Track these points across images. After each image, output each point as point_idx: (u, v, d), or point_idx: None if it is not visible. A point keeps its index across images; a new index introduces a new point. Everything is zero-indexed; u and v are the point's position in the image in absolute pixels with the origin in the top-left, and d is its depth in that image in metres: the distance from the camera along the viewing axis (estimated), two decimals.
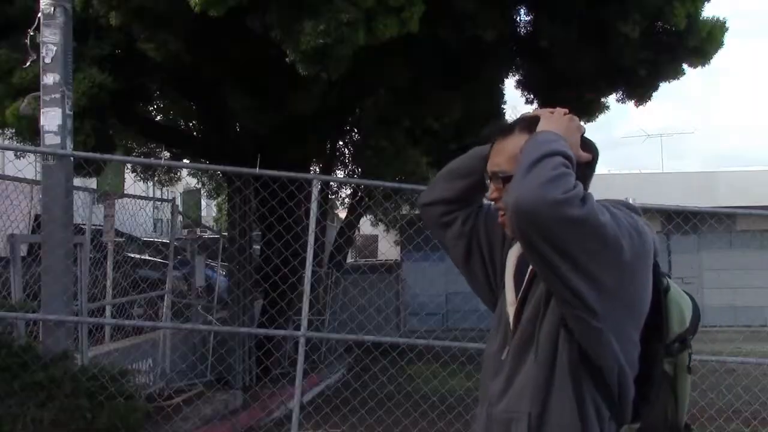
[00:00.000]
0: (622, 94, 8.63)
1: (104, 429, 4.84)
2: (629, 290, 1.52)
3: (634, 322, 1.55)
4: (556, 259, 1.46)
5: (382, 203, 14.21)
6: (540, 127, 1.64)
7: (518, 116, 1.80)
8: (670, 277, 1.67)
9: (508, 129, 1.73)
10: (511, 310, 1.70)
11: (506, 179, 1.63)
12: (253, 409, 7.51)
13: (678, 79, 7.95)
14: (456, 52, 7.53)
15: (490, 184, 1.73)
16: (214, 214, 24.62)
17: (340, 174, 14.21)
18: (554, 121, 1.65)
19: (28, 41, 5.41)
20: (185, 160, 11.62)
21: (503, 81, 9.87)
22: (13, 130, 8.26)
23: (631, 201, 5.19)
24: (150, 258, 9.62)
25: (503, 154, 1.70)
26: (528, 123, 1.70)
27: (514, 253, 1.77)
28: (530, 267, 1.66)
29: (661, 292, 1.61)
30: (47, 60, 5.13)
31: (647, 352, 1.59)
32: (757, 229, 17.42)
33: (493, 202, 1.77)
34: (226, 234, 10.07)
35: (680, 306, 1.64)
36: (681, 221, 6.60)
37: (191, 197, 16.33)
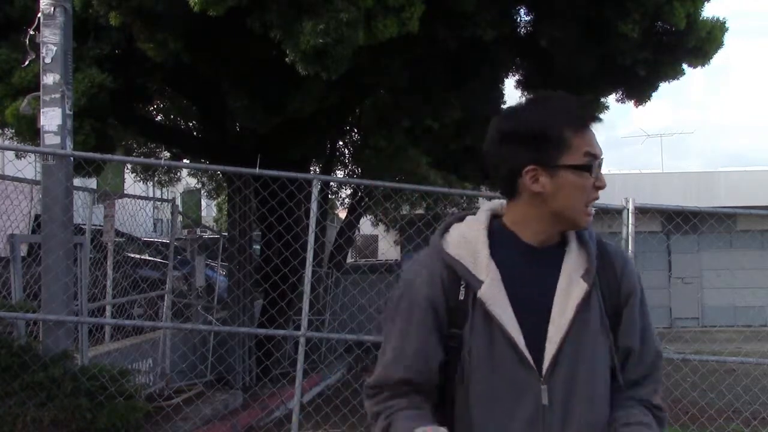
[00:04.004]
0: (622, 94, 8.62)
1: (104, 429, 4.84)
2: None
3: None
4: None
5: (382, 203, 14.23)
6: None
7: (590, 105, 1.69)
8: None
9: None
10: (551, 349, 1.54)
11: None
12: (253, 409, 7.51)
13: (678, 79, 7.95)
14: (456, 52, 7.52)
15: (598, 170, 1.58)
16: (214, 214, 24.62)
17: (340, 174, 14.23)
18: None
19: (27, 41, 5.42)
20: (185, 160, 11.63)
21: (503, 81, 9.86)
22: (13, 130, 8.26)
23: (631, 201, 5.21)
24: (150, 258, 9.62)
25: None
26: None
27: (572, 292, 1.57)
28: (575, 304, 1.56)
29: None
30: (47, 60, 5.14)
31: None
32: (757, 229, 17.42)
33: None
34: (226, 234, 10.08)
35: None
36: (681, 221, 6.59)
37: (191, 197, 16.36)
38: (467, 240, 1.59)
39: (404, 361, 1.56)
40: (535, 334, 1.53)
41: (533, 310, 1.54)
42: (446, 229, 1.65)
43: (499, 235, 1.60)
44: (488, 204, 1.68)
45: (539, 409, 1.52)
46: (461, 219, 1.66)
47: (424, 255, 1.63)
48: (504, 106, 10.51)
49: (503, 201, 1.67)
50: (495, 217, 1.65)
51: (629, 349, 1.63)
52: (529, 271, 1.58)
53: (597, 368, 1.57)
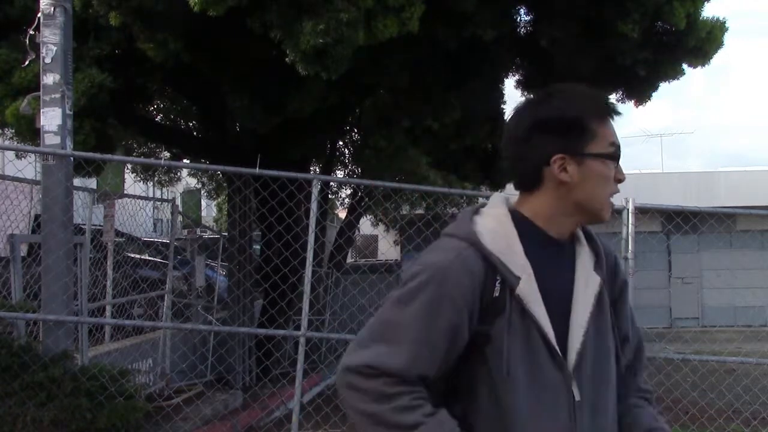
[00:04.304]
0: (622, 94, 8.62)
1: (104, 429, 4.84)
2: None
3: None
4: None
5: (382, 203, 14.24)
6: None
7: (608, 98, 1.65)
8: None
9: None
10: (575, 343, 1.55)
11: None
12: (253, 409, 7.51)
13: (678, 79, 7.95)
14: (456, 52, 7.52)
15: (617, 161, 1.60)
16: (214, 214, 24.63)
17: (340, 174, 14.23)
18: None
19: (27, 41, 5.42)
20: (185, 160, 11.63)
21: (503, 81, 9.86)
22: (13, 130, 8.27)
23: (631, 201, 5.21)
24: (150, 258, 9.62)
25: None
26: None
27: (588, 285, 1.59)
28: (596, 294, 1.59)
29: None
30: (47, 60, 5.14)
31: None
32: (757, 229, 17.41)
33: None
34: (226, 234, 10.08)
35: None
36: (681, 221, 6.59)
37: (191, 197, 16.37)
38: (500, 234, 1.54)
39: (427, 358, 1.46)
40: (560, 329, 1.53)
41: (557, 305, 1.54)
42: (471, 220, 1.57)
43: (523, 228, 1.57)
44: (498, 197, 1.65)
45: (573, 406, 1.52)
46: (477, 212, 1.61)
47: (451, 243, 1.53)
48: (504, 106, 10.53)
49: (507, 195, 1.66)
50: (510, 210, 1.62)
51: (625, 337, 1.69)
52: (552, 264, 1.57)
53: (612, 359, 1.61)
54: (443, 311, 1.46)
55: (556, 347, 1.51)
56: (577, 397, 1.52)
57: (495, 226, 1.55)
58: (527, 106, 1.62)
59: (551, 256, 1.58)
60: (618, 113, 1.61)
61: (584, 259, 1.61)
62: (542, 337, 1.50)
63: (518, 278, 1.50)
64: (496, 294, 1.50)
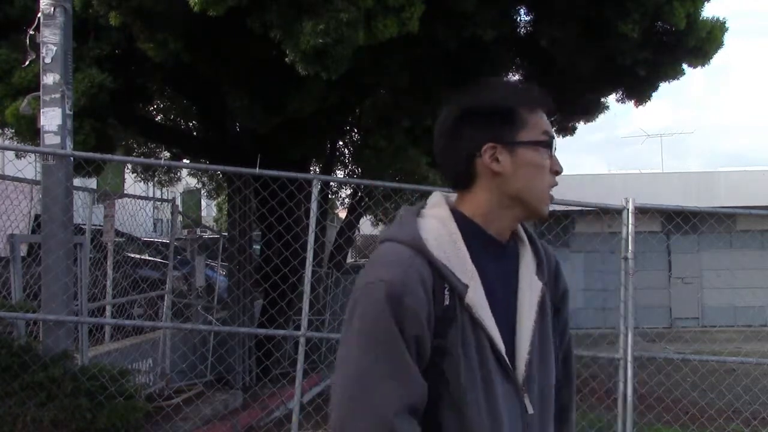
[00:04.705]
0: (622, 94, 8.63)
1: (104, 429, 4.84)
2: None
3: None
4: None
5: (382, 203, 14.21)
6: None
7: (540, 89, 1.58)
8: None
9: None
10: (523, 354, 1.49)
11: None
12: (253, 409, 7.51)
13: (678, 79, 7.95)
14: (456, 52, 7.52)
15: (553, 152, 1.53)
16: (214, 214, 24.64)
17: (340, 174, 14.22)
18: None
19: (28, 41, 5.42)
20: (185, 160, 11.63)
21: None
22: (13, 130, 8.26)
23: (631, 201, 5.21)
24: (150, 258, 9.62)
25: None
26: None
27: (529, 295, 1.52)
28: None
29: None
30: (47, 60, 5.14)
31: None
32: (757, 229, 17.42)
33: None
34: (226, 234, 10.07)
35: None
36: (681, 221, 6.59)
37: (191, 197, 16.37)
38: (445, 238, 1.45)
39: (411, 386, 1.35)
40: (507, 338, 1.45)
41: (503, 312, 1.46)
42: (416, 223, 1.48)
43: (465, 229, 1.48)
44: (438, 195, 1.56)
45: (525, 419, 1.46)
46: (420, 214, 1.52)
47: (397, 251, 1.42)
48: None
49: (446, 194, 1.59)
50: (452, 210, 1.53)
51: (567, 351, 1.66)
52: (495, 268, 1.49)
53: (553, 369, 1.55)
54: (409, 331, 1.36)
55: (506, 358, 1.44)
56: (530, 410, 1.46)
57: (439, 229, 1.47)
58: (456, 99, 1.55)
59: (494, 259, 1.50)
60: (549, 105, 1.55)
61: (527, 262, 1.54)
62: (492, 348, 1.42)
63: (466, 286, 1.42)
64: (447, 303, 1.40)
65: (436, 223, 1.48)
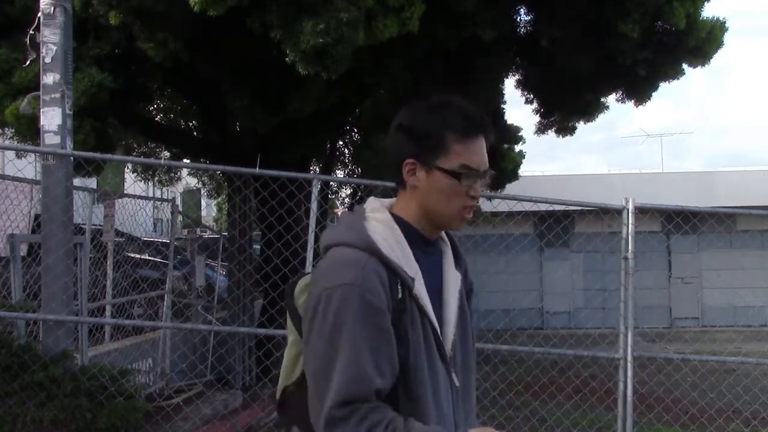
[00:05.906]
0: (622, 94, 8.63)
1: (104, 429, 4.84)
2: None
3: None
4: None
5: None
6: None
7: (482, 119, 1.70)
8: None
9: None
10: (449, 336, 1.69)
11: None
12: (253, 409, 7.51)
13: (678, 79, 7.95)
14: (456, 52, 7.52)
15: (482, 181, 1.68)
16: (214, 214, 24.64)
17: (340, 174, 14.22)
18: None
19: (28, 41, 5.42)
20: (185, 160, 11.63)
21: (503, 81, 9.87)
22: (13, 130, 8.27)
23: (631, 201, 5.21)
24: (150, 258, 9.62)
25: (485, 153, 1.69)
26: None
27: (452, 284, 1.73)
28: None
29: None
30: (47, 60, 5.14)
31: None
32: (757, 229, 17.43)
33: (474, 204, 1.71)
34: (226, 234, 10.07)
35: None
36: (681, 221, 6.60)
37: (191, 197, 16.37)
38: (392, 240, 1.62)
39: (379, 371, 1.50)
40: (438, 324, 1.65)
41: (434, 301, 1.64)
42: (364, 227, 1.63)
43: (403, 229, 1.66)
44: (375, 201, 1.73)
45: (454, 391, 1.67)
46: (365, 218, 1.67)
47: (352, 255, 1.58)
48: (504, 106, 10.53)
49: (381, 199, 1.75)
50: (391, 213, 1.71)
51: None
52: (427, 262, 1.67)
53: (472, 348, 1.77)
54: (377, 322, 1.52)
55: (442, 340, 1.64)
56: (457, 384, 1.67)
57: (385, 231, 1.63)
58: (403, 110, 1.69)
59: (425, 255, 1.68)
60: (486, 132, 1.65)
61: (449, 257, 1.74)
62: (433, 332, 1.62)
63: (413, 279, 1.60)
64: (399, 296, 1.58)
65: (381, 226, 1.64)
